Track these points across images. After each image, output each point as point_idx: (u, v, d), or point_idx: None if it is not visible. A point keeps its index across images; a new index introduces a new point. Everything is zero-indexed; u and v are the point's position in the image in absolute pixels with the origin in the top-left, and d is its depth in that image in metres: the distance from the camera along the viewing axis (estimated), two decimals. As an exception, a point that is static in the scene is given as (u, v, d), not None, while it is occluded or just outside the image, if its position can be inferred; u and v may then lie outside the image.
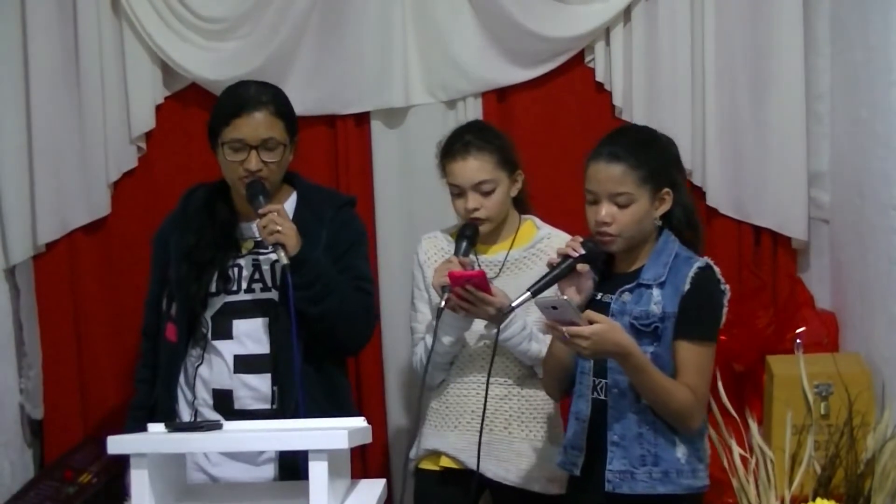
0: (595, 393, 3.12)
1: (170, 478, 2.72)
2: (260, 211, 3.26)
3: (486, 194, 3.55)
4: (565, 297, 2.94)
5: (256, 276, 3.40)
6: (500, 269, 3.60)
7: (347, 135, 4.43)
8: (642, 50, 4.29)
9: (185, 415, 3.41)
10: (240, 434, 2.80)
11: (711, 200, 4.31)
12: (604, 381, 3.09)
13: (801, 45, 4.21)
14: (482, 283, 3.36)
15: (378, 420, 4.34)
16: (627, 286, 3.09)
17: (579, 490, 3.19)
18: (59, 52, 4.30)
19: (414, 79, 4.37)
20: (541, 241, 3.62)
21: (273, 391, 3.34)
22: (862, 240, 3.84)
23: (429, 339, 3.53)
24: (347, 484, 2.76)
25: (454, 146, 3.59)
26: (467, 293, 3.36)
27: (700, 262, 3.08)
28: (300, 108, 4.33)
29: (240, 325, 3.37)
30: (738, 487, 3.18)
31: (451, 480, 3.59)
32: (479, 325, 3.53)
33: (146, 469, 2.59)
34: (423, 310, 3.66)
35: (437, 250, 3.68)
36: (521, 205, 3.71)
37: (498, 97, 4.40)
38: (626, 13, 4.30)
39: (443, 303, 3.37)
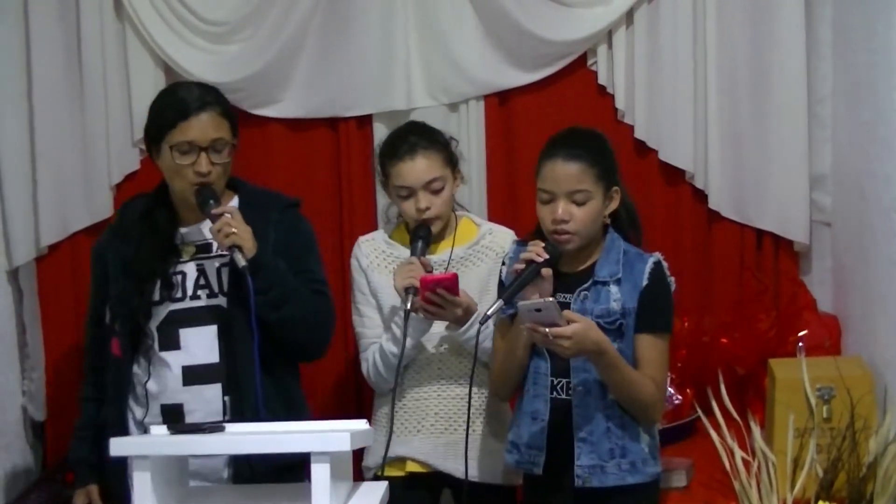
0: (555, 392, 3.20)
1: (172, 480, 2.72)
2: (213, 212, 3.19)
3: (436, 192, 3.56)
4: (550, 299, 2.97)
5: (202, 281, 3.31)
6: (446, 268, 3.60)
7: (349, 137, 4.43)
8: (644, 53, 4.30)
9: (136, 434, 3.30)
10: (242, 437, 2.80)
11: (713, 203, 4.32)
12: (564, 380, 3.18)
13: (804, 49, 4.21)
14: (454, 285, 3.37)
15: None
16: (584, 286, 3.17)
17: (544, 489, 3.24)
18: (61, 54, 4.30)
19: (416, 81, 4.37)
20: (484, 238, 3.65)
21: (224, 402, 3.25)
22: (864, 243, 3.84)
23: (387, 345, 3.52)
24: (349, 486, 2.76)
25: (400, 147, 3.60)
26: (437, 297, 3.36)
27: (653, 257, 3.21)
28: (302, 111, 4.39)
29: (187, 335, 3.28)
30: (741, 490, 3.19)
31: (417, 484, 3.58)
32: (433, 329, 3.52)
33: (149, 471, 2.59)
34: (369, 314, 3.65)
35: (377, 253, 3.68)
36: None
37: (500, 100, 4.40)
38: (629, 16, 4.30)
39: (408, 305, 3.36)
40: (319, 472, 2.51)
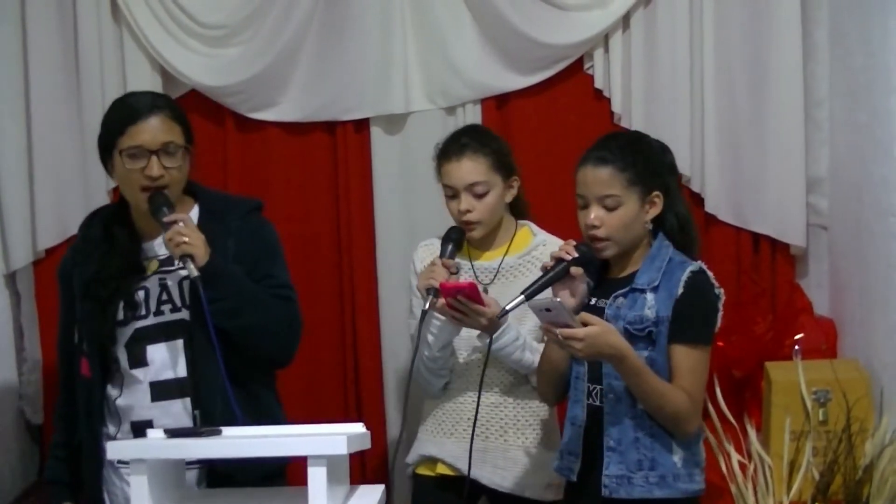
0: (590, 398, 3.13)
1: (169, 484, 2.72)
2: (165, 220, 3.11)
3: (479, 196, 3.55)
4: (558, 299, 2.95)
5: (164, 297, 3.23)
6: (495, 276, 3.60)
7: (347, 141, 4.43)
8: (641, 57, 4.31)
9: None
10: (239, 440, 2.80)
11: (710, 207, 4.32)
12: (598, 386, 3.11)
13: (800, 52, 4.22)
14: (473, 293, 3.33)
15: (377, 426, 4.34)
16: (621, 291, 3.10)
17: (576, 495, 3.20)
18: (59, 58, 4.31)
19: (414, 85, 4.38)
20: (536, 249, 3.62)
21: (194, 416, 3.18)
22: (861, 246, 3.85)
23: (424, 347, 3.52)
24: (346, 490, 2.76)
25: (450, 147, 3.60)
26: (459, 304, 3.35)
27: (693, 265, 3.09)
28: (300, 114, 4.39)
29: (153, 351, 3.20)
30: (737, 494, 3.19)
31: (447, 486, 3.59)
32: (474, 335, 3.51)
33: (145, 475, 2.59)
34: None
35: (432, 256, 3.67)
36: (518, 211, 3.71)
37: (497, 104, 4.41)
38: (625, 20, 4.31)
39: (426, 305, 3.36)
40: (316, 476, 2.51)
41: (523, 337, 3.46)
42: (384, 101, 4.38)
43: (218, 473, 3.18)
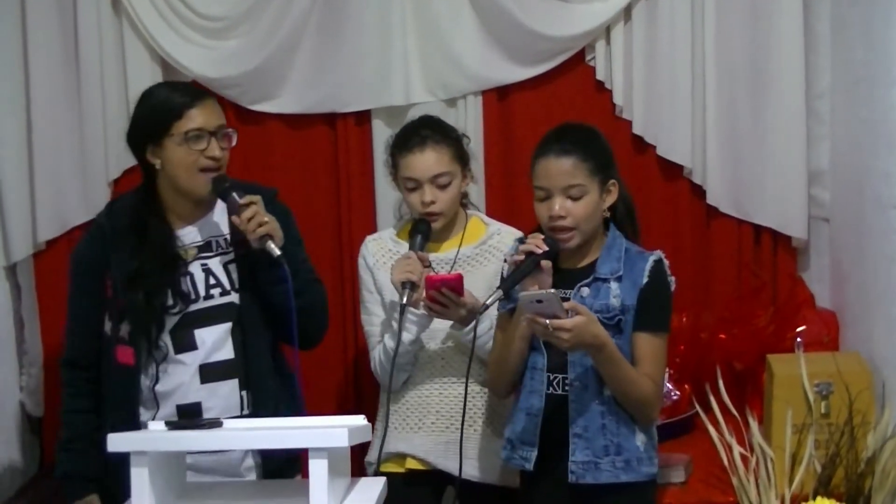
0: (550, 388, 3.19)
1: (170, 476, 2.71)
2: (241, 202, 3.20)
3: (443, 188, 3.56)
4: (552, 291, 2.97)
5: (212, 281, 3.31)
6: (452, 267, 3.60)
7: (348, 134, 4.43)
8: (642, 49, 4.30)
9: None
10: (240, 432, 2.79)
11: (711, 199, 4.32)
12: (560, 375, 3.18)
13: (802, 44, 4.21)
14: (459, 285, 3.36)
15: (371, 420, 4.33)
16: (585, 281, 3.18)
17: (534, 485, 3.25)
18: (58, 49, 4.29)
19: (414, 77, 4.37)
20: (491, 238, 3.64)
21: (242, 397, 3.28)
22: (862, 239, 3.84)
23: (388, 341, 3.51)
24: (347, 482, 2.75)
25: (411, 139, 3.60)
26: (442, 296, 3.36)
27: (654, 255, 3.21)
28: (300, 107, 4.38)
29: (202, 334, 3.28)
30: (739, 486, 3.18)
31: (417, 482, 3.58)
32: (436, 326, 3.51)
33: (146, 467, 2.58)
34: (377, 312, 3.65)
35: (384, 251, 3.67)
36: (462, 202, 3.73)
37: (498, 95, 4.40)
38: (627, 12, 4.30)
39: (405, 299, 3.36)
40: (317, 468, 2.51)
41: (494, 325, 3.46)
42: (384, 93, 4.37)
43: (272, 466, 3.29)
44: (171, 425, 2.79)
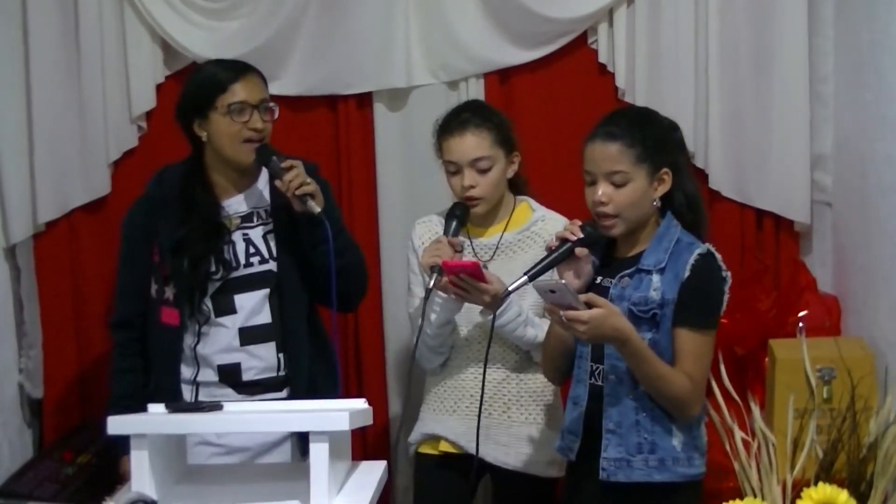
0: (593, 378, 3.12)
1: (170, 459, 2.71)
2: (283, 165, 3.38)
3: (483, 172, 3.53)
4: (563, 281, 2.93)
5: (251, 249, 3.51)
6: (494, 252, 3.59)
7: (349, 116, 4.41)
8: (645, 31, 4.28)
9: (187, 393, 3.50)
10: (241, 415, 2.79)
11: (714, 183, 4.30)
12: (600, 366, 3.09)
13: (805, 27, 4.19)
14: (476, 272, 3.35)
15: (379, 402, 4.34)
16: (627, 271, 3.08)
17: (577, 475, 3.20)
18: (59, 31, 4.27)
19: (416, 59, 4.36)
20: (535, 224, 3.61)
21: (279, 358, 3.48)
22: (865, 223, 3.83)
23: (424, 323, 3.51)
24: (348, 465, 2.75)
25: (452, 123, 3.58)
26: (461, 281, 3.36)
27: (701, 248, 3.06)
28: (301, 88, 4.37)
29: (241, 300, 3.49)
30: (740, 471, 3.18)
31: (450, 465, 3.59)
32: (474, 310, 3.50)
33: (146, 450, 2.58)
34: (420, 294, 3.63)
35: (431, 234, 3.65)
36: (517, 187, 3.70)
37: (500, 78, 4.38)
38: (630, -5, 4.29)
39: (431, 283, 3.36)
40: (318, 452, 2.50)
41: (525, 312, 3.46)
42: (386, 75, 4.36)
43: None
44: (172, 408, 2.78)
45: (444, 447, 3.60)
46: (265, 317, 3.50)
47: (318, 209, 3.36)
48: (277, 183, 3.41)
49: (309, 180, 3.37)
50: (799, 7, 4.18)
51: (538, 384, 3.57)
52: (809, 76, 4.22)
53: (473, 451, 3.37)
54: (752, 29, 4.24)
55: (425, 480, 3.66)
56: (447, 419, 3.60)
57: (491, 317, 3.34)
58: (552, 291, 2.88)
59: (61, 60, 4.28)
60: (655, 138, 3.07)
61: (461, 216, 3.53)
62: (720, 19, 4.23)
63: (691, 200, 3.15)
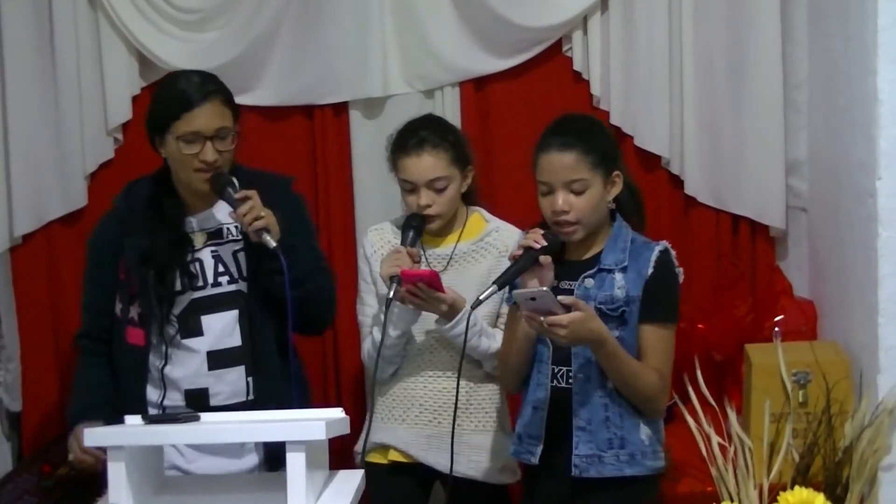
0: (555, 381, 3.18)
1: (147, 470, 2.71)
2: (237, 197, 3.26)
3: (440, 191, 3.55)
4: (545, 288, 2.96)
5: (220, 268, 3.41)
6: (448, 262, 3.61)
7: (325, 125, 4.42)
8: (620, 39, 4.29)
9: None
10: (218, 426, 2.79)
11: (689, 189, 4.32)
12: (564, 368, 3.16)
13: (779, 34, 4.22)
14: (435, 281, 3.36)
15: (357, 412, 4.33)
16: (589, 272, 3.15)
17: (538, 478, 3.24)
18: (34, 43, 4.27)
19: (392, 68, 4.37)
20: (489, 235, 3.63)
21: (248, 383, 3.38)
22: (840, 228, 3.85)
23: (377, 332, 3.51)
24: (325, 475, 2.75)
25: (408, 141, 3.57)
26: (419, 290, 3.36)
27: (660, 245, 3.18)
28: (278, 99, 4.37)
29: (209, 321, 3.39)
30: (717, 476, 3.18)
31: (400, 473, 3.60)
32: (425, 319, 3.52)
33: (123, 462, 2.58)
34: (371, 303, 3.65)
35: (384, 242, 3.67)
36: (469, 197, 3.70)
37: (476, 86, 4.39)
38: (604, 2, 4.30)
39: (391, 293, 3.36)
40: (295, 461, 2.51)
41: (480, 323, 3.47)
42: (362, 84, 4.36)
43: (272, 454, 3.33)
44: (148, 419, 2.78)
45: (394, 456, 3.60)
46: (235, 339, 3.39)
47: (273, 243, 3.23)
48: (231, 214, 3.32)
49: (263, 213, 3.24)
50: (772, 14, 4.20)
51: (487, 391, 3.60)
52: (783, 83, 4.24)
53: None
54: (727, 36, 4.26)
55: (377, 490, 3.63)
56: (396, 429, 3.60)
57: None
58: (532, 299, 2.92)
59: (37, 73, 4.28)
60: (605, 143, 3.19)
61: (418, 227, 3.54)
62: (694, 27, 4.25)
63: (636, 197, 3.29)
